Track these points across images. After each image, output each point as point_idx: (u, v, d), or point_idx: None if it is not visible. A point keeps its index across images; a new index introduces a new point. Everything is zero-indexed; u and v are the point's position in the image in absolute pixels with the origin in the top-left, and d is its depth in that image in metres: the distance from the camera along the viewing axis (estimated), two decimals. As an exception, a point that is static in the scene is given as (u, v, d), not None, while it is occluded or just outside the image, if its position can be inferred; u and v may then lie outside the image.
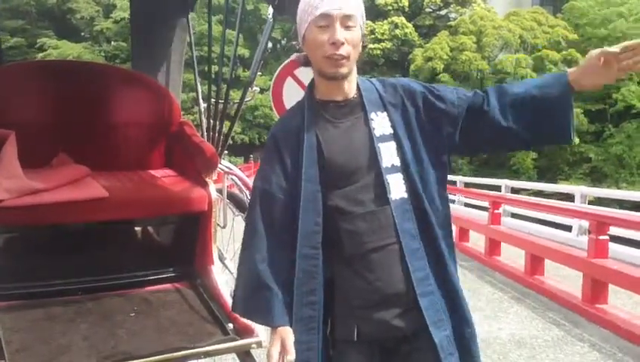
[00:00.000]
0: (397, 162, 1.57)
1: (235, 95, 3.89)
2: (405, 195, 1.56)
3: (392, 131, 1.59)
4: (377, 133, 1.58)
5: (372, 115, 1.60)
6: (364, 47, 1.59)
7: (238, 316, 2.34)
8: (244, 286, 1.63)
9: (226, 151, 3.19)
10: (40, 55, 31.75)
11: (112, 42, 36.21)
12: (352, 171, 1.58)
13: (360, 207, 1.56)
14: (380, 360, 1.59)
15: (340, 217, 1.56)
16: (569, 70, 1.59)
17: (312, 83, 1.68)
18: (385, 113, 1.61)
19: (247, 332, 2.26)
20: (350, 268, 1.57)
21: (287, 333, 1.55)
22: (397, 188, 1.56)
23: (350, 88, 1.62)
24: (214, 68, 3.09)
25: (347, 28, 1.52)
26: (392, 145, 1.58)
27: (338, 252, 1.58)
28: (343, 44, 1.51)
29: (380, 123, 1.59)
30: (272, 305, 1.56)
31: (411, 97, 1.63)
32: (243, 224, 2.86)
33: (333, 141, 1.60)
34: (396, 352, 1.59)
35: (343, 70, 1.55)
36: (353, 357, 1.58)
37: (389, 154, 1.57)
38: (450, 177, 1.68)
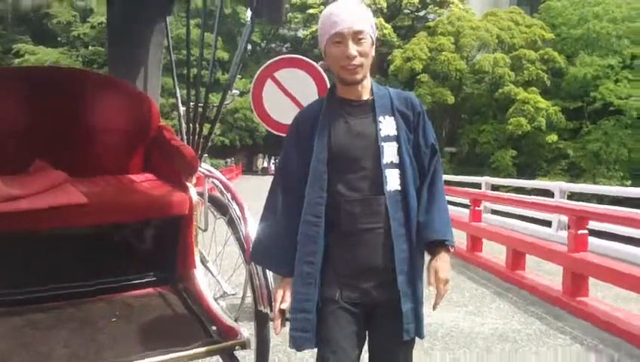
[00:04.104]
0: (396, 160, 1.84)
1: (215, 98, 3.89)
2: (399, 188, 1.84)
3: (395, 133, 1.86)
4: (383, 133, 1.85)
5: (380, 118, 1.87)
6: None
7: (221, 319, 2.36)
8: (264, 241, 1.95)
9: (206, 155, 3.18)
10: (17, 61, 31.34)
11: (90, 47, 35.85)
12: (355, 162, 1.84)
13: (358, 194, 1.83)
14: (362, 319, 1.87)
15: (342, 199, 1.83)
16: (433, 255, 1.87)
17: (334, 83, 1.94)
18: (392, 118, 1.88)
19: (230, 333, 2.26)
20: (344, 242, 1.84)
21: (288, 286, 1.85)
22: (392, 181, 1.83)
23: (364, 91, 1.90)
24: (193, 71, 3.08)
25: (358, 41, 1.80)
26: (394, 145, 1.85)
27: (336, 227, 1.84)
28: (355, 56, 1.79)
29: (387, 125, 1.86)
30: (283, 259, 1.87)
31: (413, 111, 1.92)
32: (224, 227, 2.89)
33: (343, 133, 1.87)
34: (372, 315, 1.88)
35: (358, 77, 1.84)
36: (338, 314, 1.84)
37: (390, 153, 1.84)
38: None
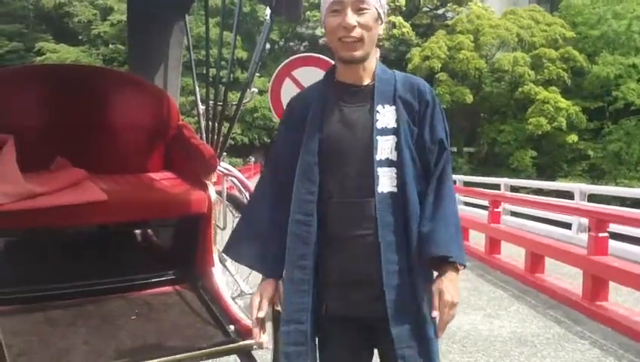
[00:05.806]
0: (393, 156, 1.59)
1: (234, 97, 3.90)
2: (395, 189, 1.58)
3: (395, 126, 1.60)
4: (379, 125, 1.60)
5: (378, 107, 1.61)
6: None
7: (239, 318, 2.36)
8: (245, 234, 1.73)
9: (225, 153, 3.19)
10: (38, 59, 31.71)
11: (110, 45, 36.14)
12: (346, 157, 1.61)
13: (347, 195, 1.61)
14: (363, 334, 1.66)
15: (330, 200, 1.62)
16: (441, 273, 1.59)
17: (335, 65, 1.73)
18: (393, 107, 1.62)
19: (248, 333, 2.26)
20: (330, 248, 1.62)
21: (268, 291, 1.66)
22: (386, 181, 1.58)
23: (365, 74, 1.66)
24: (212, 70, 3.08)
25: (360, 11, 1.56)
26: (392, 139, 1.60)
27: (323, 231, 1.62)
28: (354, 27, 1.55)
29: (385, 116, 1.61)
30: (263, 255, 1.67)
31: (420, 99, 1.65)
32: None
33: (335, 122, 1.64)
34: (370, 332, 1.65)
35: (356, 53, 1.59)
36: (330, 330, 1.66)
37: (386, 148, 1.59)
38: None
